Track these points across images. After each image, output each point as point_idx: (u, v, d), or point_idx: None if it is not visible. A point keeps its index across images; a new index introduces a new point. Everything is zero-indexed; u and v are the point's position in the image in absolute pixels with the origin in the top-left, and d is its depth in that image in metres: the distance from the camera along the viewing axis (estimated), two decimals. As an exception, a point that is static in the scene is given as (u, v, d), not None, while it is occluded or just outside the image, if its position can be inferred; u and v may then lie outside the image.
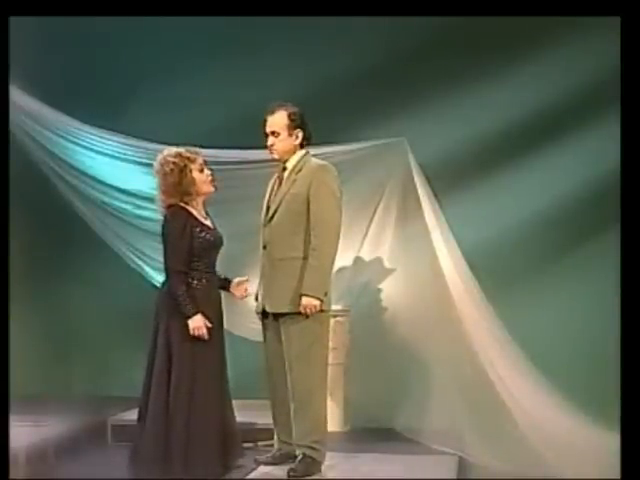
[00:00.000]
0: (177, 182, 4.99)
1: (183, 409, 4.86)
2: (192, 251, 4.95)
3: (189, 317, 4.88)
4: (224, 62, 7.15)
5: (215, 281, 5.07)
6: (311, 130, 5.18)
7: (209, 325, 4.92)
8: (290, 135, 5.13)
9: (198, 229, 4.98)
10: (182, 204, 5.00)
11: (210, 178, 5.07)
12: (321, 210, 5.03)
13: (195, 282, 4.97)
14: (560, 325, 6.70)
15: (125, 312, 7.15)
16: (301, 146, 5.17)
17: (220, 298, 5.10)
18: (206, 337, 4.90)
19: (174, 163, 5.02)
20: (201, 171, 5.03)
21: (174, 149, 5.09)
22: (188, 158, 5.01)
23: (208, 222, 5.07)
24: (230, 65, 7.15)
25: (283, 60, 7.05)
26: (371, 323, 6.53)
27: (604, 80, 6.42)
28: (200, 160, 5.05)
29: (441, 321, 6.09)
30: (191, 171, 5.00)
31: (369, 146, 6.43)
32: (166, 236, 4.98)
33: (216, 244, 5.05)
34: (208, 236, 5.00)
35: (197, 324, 4.89)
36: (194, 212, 5.02)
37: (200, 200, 5.08)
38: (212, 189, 5.08)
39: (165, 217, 5.01)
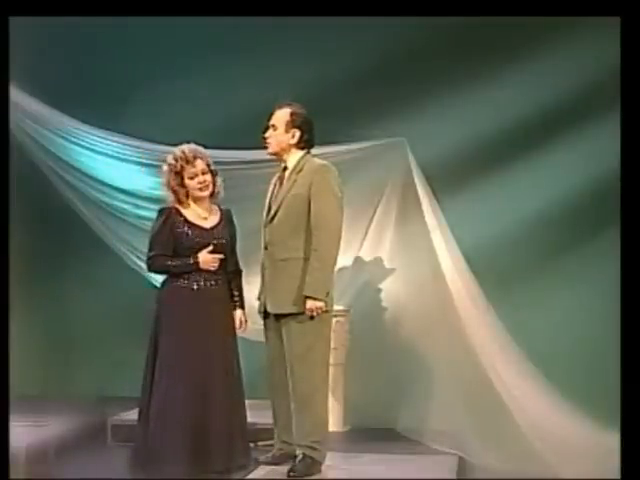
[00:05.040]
0: (167, 183, 5.05)
1: (159, 407, 4.86)
2: (176, 250, 4.99)
3: (196, 262, 4.91)
4: (224, 62, 7.14)
5: (211, 283, 5.03)
6: (314, 136, 5.19)
7: (219, 257, 4.96)
8: (287, 132, 5.14)
9: (183, 229, 4.99)
10: (175, 205, 5.03)
11: (201, 185, 5.01)
12: (322, 210, 5.03)
13: (182, 280, 4.98)
14: (560, 325, 6.70)
15: (125, 312, 7.14)
16: (299, 148, 5.17)
17: (221, 301, 5.08)
18: (216, 266, 4.95)
19: (169, 165, 5.04)
20: (192, 178, 5.01)
21: (178, 148, 5.08)
22: (185, 162, 5.01)
23: (204, 223, 5.05)
24: (230, 65, 7.14)
25: (283, 60, 7.04)
26: (371, 323, 6.53)
27: (604, 80, 6.42)
28: (198, 165, 5.01)
29: (441, 321, 6.09)
30: (183, 177, 5.01)
31: (369, 146, 6.43)
32: (150, 235, 5.08)
33: (202, 245, 4.99)
34: (195, 237, 4.99)
35: (204, 259, 4.95)
36: (186, 213, 5.03)
37: (198, 202, 5.07)
38: (204, 194, 5.05)
39: None
